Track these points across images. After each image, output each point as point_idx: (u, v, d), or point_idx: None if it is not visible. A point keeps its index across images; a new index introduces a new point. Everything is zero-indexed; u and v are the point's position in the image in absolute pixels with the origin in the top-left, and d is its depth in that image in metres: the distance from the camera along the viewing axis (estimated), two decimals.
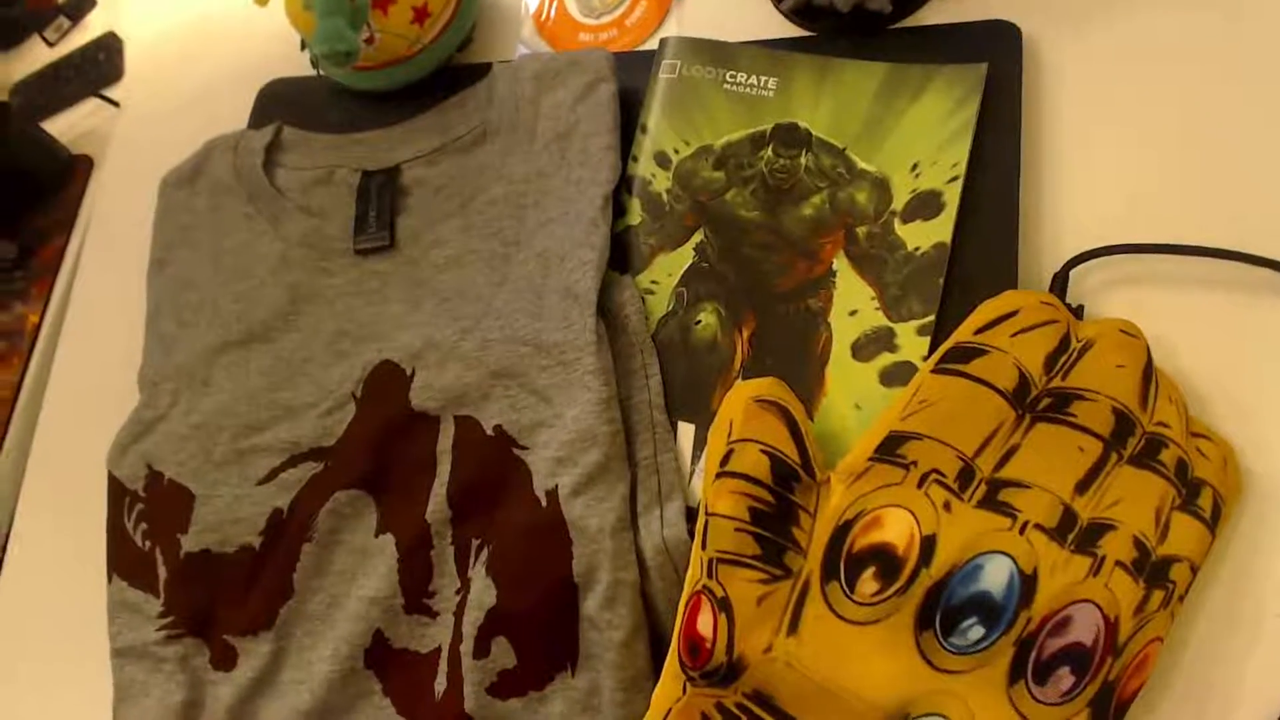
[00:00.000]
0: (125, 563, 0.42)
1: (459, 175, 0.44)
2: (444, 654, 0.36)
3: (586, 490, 0.35)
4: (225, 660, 0.39)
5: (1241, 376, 0.35)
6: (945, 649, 0.31)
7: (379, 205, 0.44)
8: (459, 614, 0.36)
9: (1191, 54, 0.39)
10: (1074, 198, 0.39)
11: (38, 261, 0.61)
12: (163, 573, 0.40)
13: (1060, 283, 0.36)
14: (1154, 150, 0.39)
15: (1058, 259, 0.37)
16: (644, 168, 0.43)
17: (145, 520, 0.42)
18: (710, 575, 0.33)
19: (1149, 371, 0.33)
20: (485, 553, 0.36)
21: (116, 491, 0.43)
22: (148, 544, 0.41)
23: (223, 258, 0.45)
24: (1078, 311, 0.36)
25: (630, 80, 0.45)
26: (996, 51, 0.40)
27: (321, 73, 0.52)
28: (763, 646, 0.31)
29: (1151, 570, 0.31)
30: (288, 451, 0.41)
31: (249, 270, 0.45)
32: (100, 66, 0.68)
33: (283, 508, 0.40)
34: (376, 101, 0.50)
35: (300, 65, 0.53)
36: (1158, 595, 0.31)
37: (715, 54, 0.43)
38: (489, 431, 0.38)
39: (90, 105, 0.67)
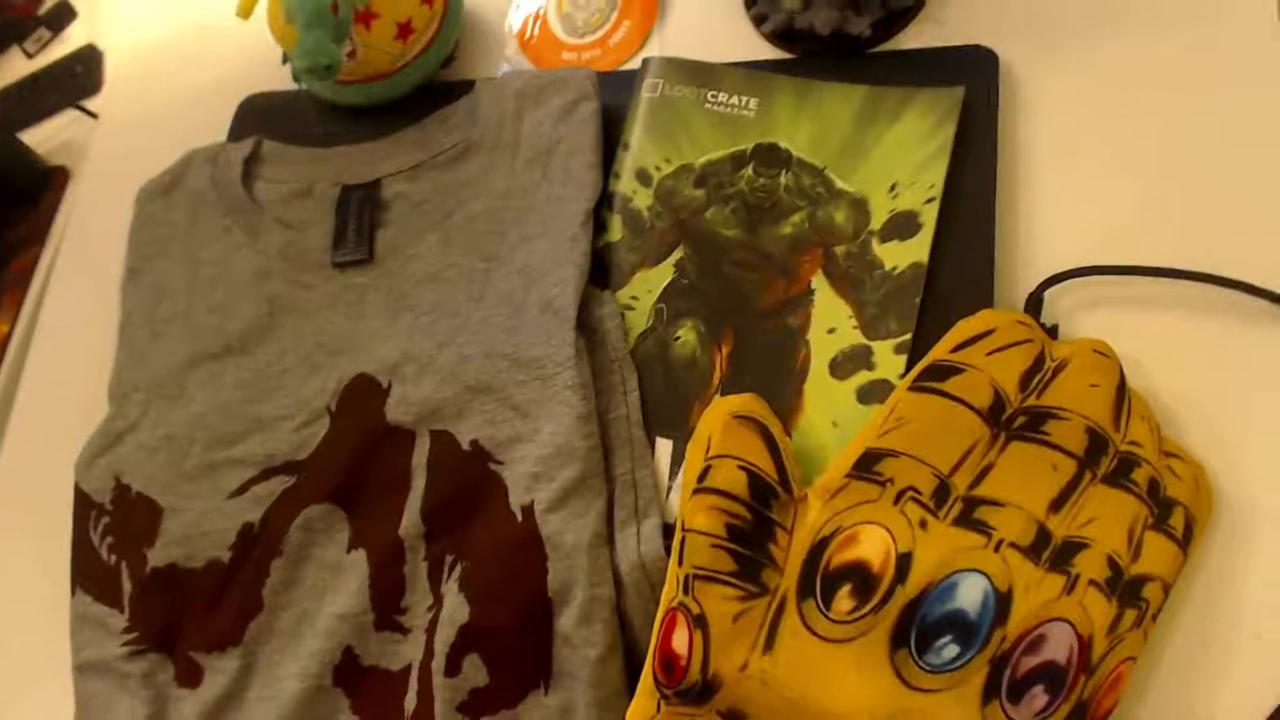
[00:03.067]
0: (90, 577, 0.41)
1: (440, 190, 0.44)
2: (415, 671, 0.35)
3: (563, 505, 0.35)
4: (190, 677, 0.38)
5: (1213, 397, 0.35)
6: (920, 667, 0.31)
7: (358, 219, 0.44)
8: (431, 631, 0.35)
9: (1167, 80, 0.40)
10: (1049, 220, 0.39)
11: (11, 273, 0.60)
12: (128, 587, 0.40)
13: (1035, 303, 0.37)
14: (1129, 174, 0.39)
15: (1032, 280, 0.37)
16: (625, 185, 0.43)
17: (111, 533, 0.41)
18: (686, 592, 0.32)
19: (1122, 391, 0.33)
20: (459, 569, 0.36)
21: (83, 504, 0.42)
22: (113, 558, 0.40)
23: (199, 269, 0.45)
24: (1052, 331, 0.36)
25: (613, 99, 0.45)
26: (974, 76, 0.41)
27: (303, 86, 0.51)
28: (738, 664, 0.31)
29: (1124, 589, 0.31)
30: (260, 465, 0.40)
31: (226, 282, 0.44)
32: (79, 78, 0.68)
33: (253, 522, 0.39)
34: (358, 116, 0.50)
35: (282, 79, 0.53)
36: (1131, 614, 0.31)
37: (697, 74, 0.44)
38: (465, 446, 0.38)
39: (68, 117, 0.66)
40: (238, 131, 0.53)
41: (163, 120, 0.59)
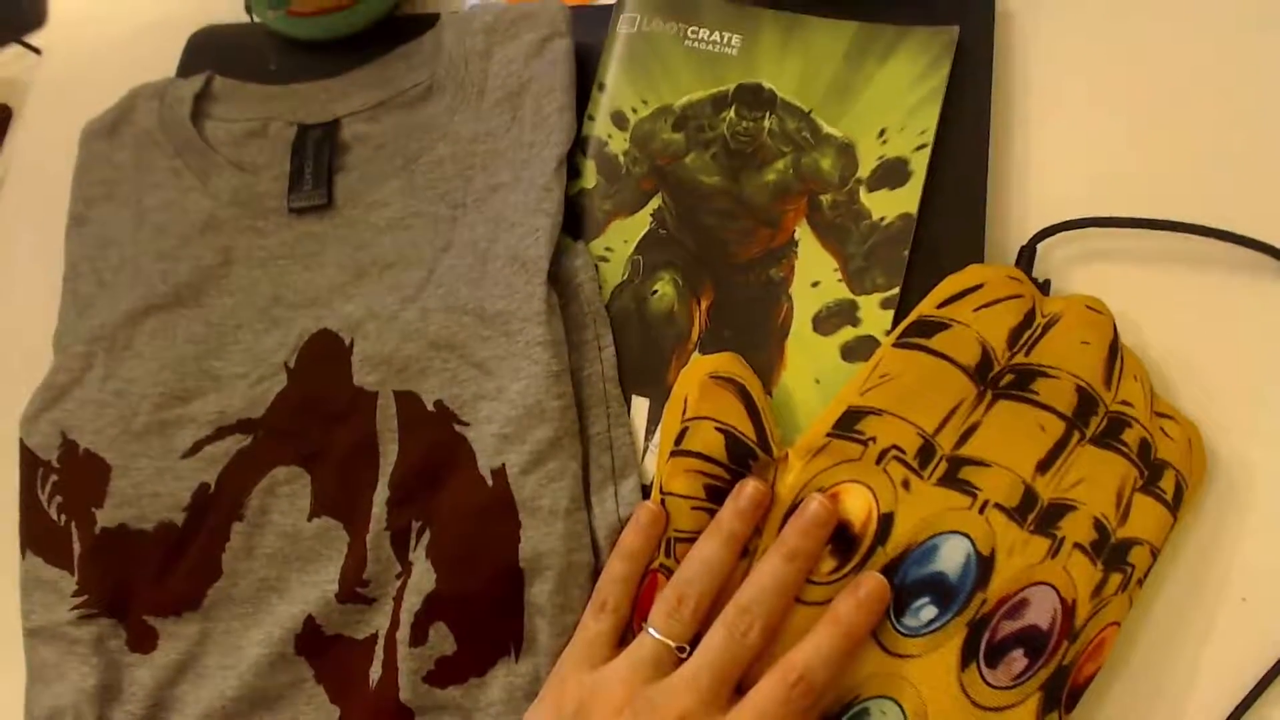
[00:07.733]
0: (39, 538, 0.39)
1: (403, 132, 0.42)
2: (380, 640, 0.34)
3: (537, 468, 0.34)
4: (144, 642, 0.36)
5: (1209, 356, 0.34)
6: (897, 630, 0.30)
7: (316, 161, 0.41)
8: (398, 600, 0.34)
9: (1165, 27, 0.39)
10: (1043, 169, 0.38)
11: None
12: (78, 548, 0.38)
13: (1027, 256, 0.36)
14: (1125, 123, 0.38)
15: (1025, 232, 0.36)
16: (600, 128, 0.41)
17: (60, 493, 0.39)
18: (668, 554, 0.32)
19: (1115, 349, 0.32)
20: (427, 535, 0.34)
21: (29, 462, 0.40)
22: (63, 518, 0.39)
23: (147, 214, 0.42)
24: (1044, 286, 0.35)
25: (587, 35, 0.42)
26: (969, 15, 0.39)
27: (256, 19, 0.49)
28: None
29: (1110, 553, 0.31)
30: (213, 424, 0.38)
31: (175, 228, 0.42)
32: (22, 11, 0.64)
33: (209, 483, 0.38)
34: (316, 52, 0.47)
35: (234, 12, 0.50)
36: (1116, 578, 0.31)
37: (677, 8, 0.41)
38: (430, 407, 0.36)
39: (11, 52, 0.63)
40: (187, 68, 0.50)
41: (110, 55, 0.56)
